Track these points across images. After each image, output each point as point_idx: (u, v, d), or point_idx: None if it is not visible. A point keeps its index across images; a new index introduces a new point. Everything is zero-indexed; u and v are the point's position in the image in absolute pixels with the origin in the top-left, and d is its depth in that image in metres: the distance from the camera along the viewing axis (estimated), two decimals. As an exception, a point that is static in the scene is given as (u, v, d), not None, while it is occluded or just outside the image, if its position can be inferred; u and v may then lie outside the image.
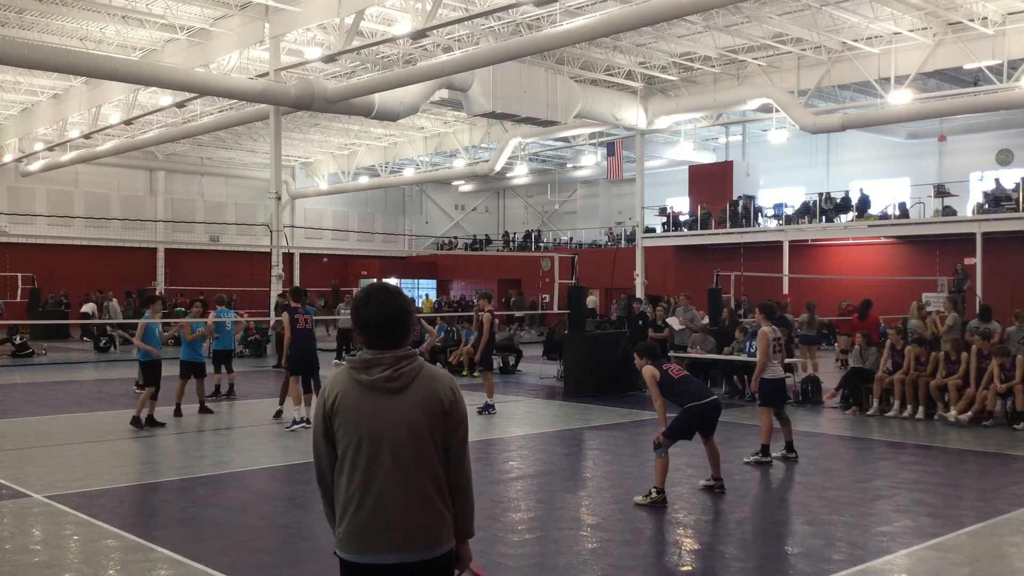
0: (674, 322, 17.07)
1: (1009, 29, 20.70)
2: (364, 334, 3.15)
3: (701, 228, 31.87)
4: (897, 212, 27.37)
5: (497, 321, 14.17)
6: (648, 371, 8.15)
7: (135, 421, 11.74)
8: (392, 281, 34.45)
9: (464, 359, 19.22)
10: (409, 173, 41.16)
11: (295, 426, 11.72)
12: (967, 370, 12.65)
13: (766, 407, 9.87)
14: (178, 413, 12.66)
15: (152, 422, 11.80)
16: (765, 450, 9.75)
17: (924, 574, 6.13)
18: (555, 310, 20.47)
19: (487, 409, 13.37)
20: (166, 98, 25.88)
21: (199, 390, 13.28)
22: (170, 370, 12.93)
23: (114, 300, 28.00)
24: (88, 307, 28.95)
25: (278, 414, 12.76)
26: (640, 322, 16.85)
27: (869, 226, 27.63)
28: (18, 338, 23.83)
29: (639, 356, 8.36)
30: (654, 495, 7.86)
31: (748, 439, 11.29)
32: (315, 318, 14.28)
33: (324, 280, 37.21)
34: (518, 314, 34.84)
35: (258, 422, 12.63)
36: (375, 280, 41.64)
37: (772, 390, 9.87)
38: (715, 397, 8.32)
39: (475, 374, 17.82)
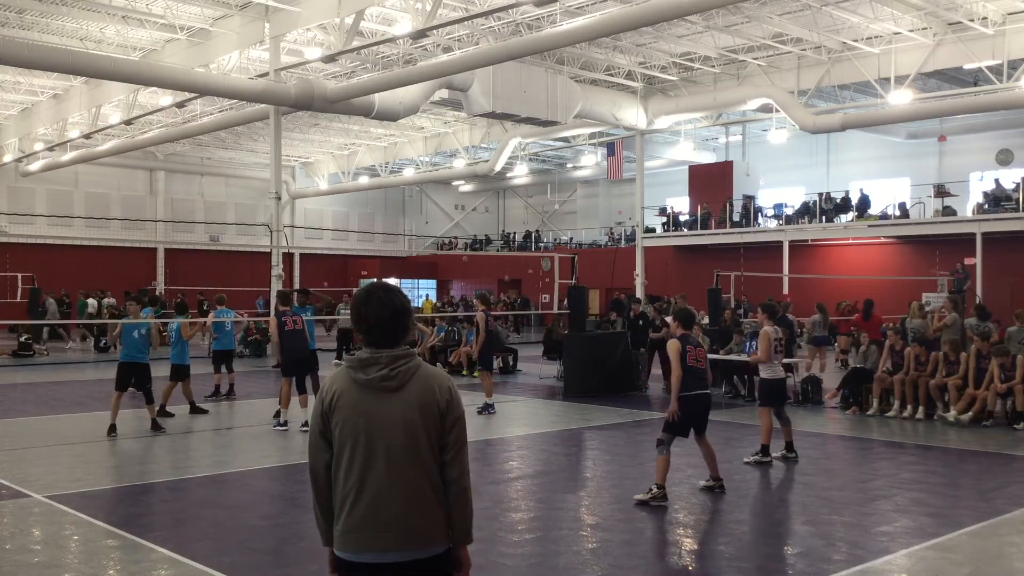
0: (673, 321, 17.04)
1: (1009, 29, 20.70)
2: (363, 332, 3.16)
3: (701, 228, 31.87)
4: (897, 212, 27.37)
5: (491, 319, 14.15)
6: (674, 347, 8.16)
7: (110, 429, 11.32)
8: (392, 281, 34.46)
9: (464, 359, 19.23)
10: (409, 173, 41.16)
11: (279, 427, 11.75)
12: (967, 370, 12.65)
13: (766, 407, 9.89)
14: (164, 414, 12.45)
15: (156, 425, 11.71)
16: (765, 450, 9.76)
17: (924, 574, 6.13)
18: (555, 310, 20.47)
19: (486, 409, 13.38)
20: (166, 98, 25.87)
21: (186, 392, 13.25)
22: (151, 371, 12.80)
23: (50, 299, 26.95)
24: (90, 305, 28.90)
25: (278, 414, 12.75)
26: (640, 323, 16.83)
27: (869, 226, 27.64)
28: (23, 337, 23.90)
29: (675, 320, 8.54)
30: (655, 491, 7.89)
31: (748, 439, 11.29)
32: (316, 318, 14.28)
33: (324, 280, 37.20)
34: (511, 314, 34.81)
35: (258, 422, 12.63)
36: (375, 280, 41.65)
37: (772, 390, 9.89)
38: (707, 391, 8.34)
39: (474, 374, 17.82)
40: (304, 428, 11.64)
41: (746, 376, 15.22)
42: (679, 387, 8.09)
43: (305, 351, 12.27)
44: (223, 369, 14.92)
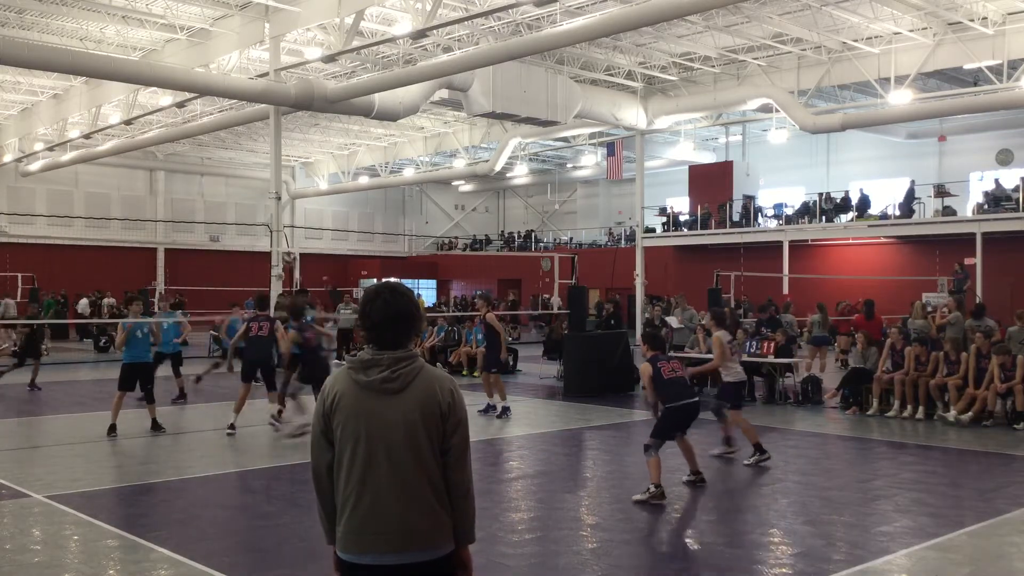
0: (673, 321, 17.10)
1: (1009, 29, 20.69)
2: (366, 331, 3.15)
3: (701, 228, 31.87)
4: (897, 212, 27.36)
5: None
6: (645, 370, 8.49)
7: (110, 429, 11.25)
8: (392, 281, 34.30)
9: (464, 359, 19.21)
10: (409, 173, 41.16)
11: (229, 432, 11.38)
12: (967, 370, 12.65)
13: (736, 410, 10.07)
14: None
15: (156, 425, 11.64)
16: (758, 448, 9.80)
17: (924, 574, 6.13)
18: (555, 310, 20.49)
19: (490, 410, 13.21)
20: (166, 98, 25.86)
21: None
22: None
23: (6, 300, 26.36)
24: (82, 305, 28.92)
25: (278, 414, 12.72)
26: (612, 321, 17.19)
27: (869, 226, 27.63)
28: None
29: (643, 343, 8.81)
30: (652, 491, 7.98)
31: (747, 439, 11.29)
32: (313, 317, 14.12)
33: (324, 281, 37.18)
34: (511, 314, 34.78)
35: (258, 423, 12.61)
36: (376, 280, 41.69)
37: (737, 392, 10.15)
38: (695, 399, 8.51)
39: (475, 374, 17.78)
40: (230, 431, 11.37)
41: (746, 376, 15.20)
42: (656, 404, 8.47)
43: (264, 359, 11.86)
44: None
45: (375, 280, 41.98)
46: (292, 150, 39.47)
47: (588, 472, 9.78)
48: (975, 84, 24.60)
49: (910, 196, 26.86)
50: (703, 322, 18.03)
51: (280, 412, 12.76)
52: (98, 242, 34.23)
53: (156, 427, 11.62)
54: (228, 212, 41.30)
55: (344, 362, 3.14)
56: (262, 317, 12.10)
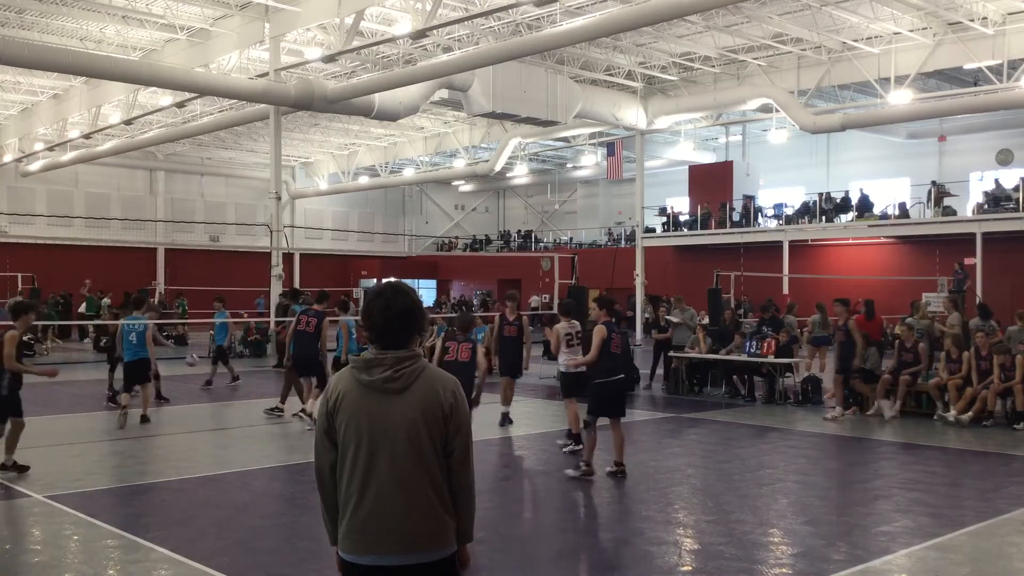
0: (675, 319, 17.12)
1: (1009, 29, 20.70)
2: (370, 331, 3.16)
3: (701, 228, 31.87)
4: (897, 212, 27.36)
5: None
6: (600, 332, 8.71)
7: (144, 419, 11.77)
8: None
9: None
10: (409, 173, 41.18)
11: (309, 427, 11.55)
12: (969, 369, 12.64)
13: (570, 398, 10.37)
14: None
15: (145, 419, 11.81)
16: (574, 437, 10.13)
17: (924, 574, 6.13)
18: (554, 310, 20.46)
19: (507, 419, 12.69)
20: (166, 98, 25.88)
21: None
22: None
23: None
24: (82, 306, 28.85)
25: (280, 412, 12.70)
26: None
27: (869, 226, 27.63)
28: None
29: (600, 307, 8.94)
30: (583, 468, 8.65)
31: (748, 439, 11.31)
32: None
33: (324, 280, 37.16)
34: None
35: (258, 422, 12.62)
36: (376, 280, 41.70)
37: (571, 382, 10.36)
38: (622, 376, 8.81)
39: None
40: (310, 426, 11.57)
41: (746, 376, 15.22)
42: (589, 364, 8.81)
43: (303, 355, 12.02)
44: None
45: (375, 280, 42.01)
46: (292, 150, 39.47)
47: (588, 472, 9.76)
48: (975, 84, 24.60)
49: (938, 197, 26.70)
50: (703, 322, 18.07)
51: (303, 411, 12.49)
52: (98, 242, 34.14)
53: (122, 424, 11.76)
54: (228, 212, 41.28)
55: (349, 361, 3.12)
56: (312, 312, 12.32)
